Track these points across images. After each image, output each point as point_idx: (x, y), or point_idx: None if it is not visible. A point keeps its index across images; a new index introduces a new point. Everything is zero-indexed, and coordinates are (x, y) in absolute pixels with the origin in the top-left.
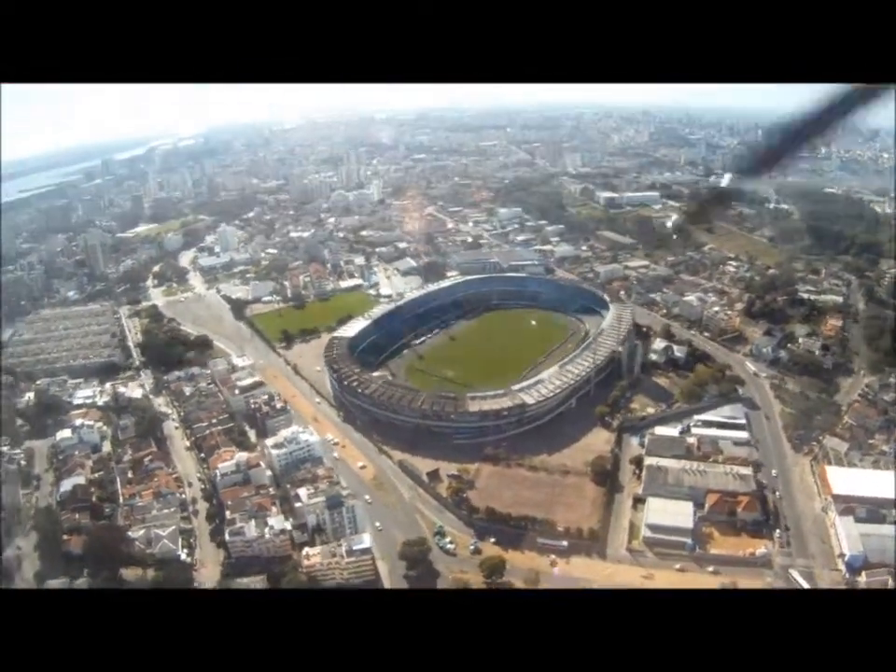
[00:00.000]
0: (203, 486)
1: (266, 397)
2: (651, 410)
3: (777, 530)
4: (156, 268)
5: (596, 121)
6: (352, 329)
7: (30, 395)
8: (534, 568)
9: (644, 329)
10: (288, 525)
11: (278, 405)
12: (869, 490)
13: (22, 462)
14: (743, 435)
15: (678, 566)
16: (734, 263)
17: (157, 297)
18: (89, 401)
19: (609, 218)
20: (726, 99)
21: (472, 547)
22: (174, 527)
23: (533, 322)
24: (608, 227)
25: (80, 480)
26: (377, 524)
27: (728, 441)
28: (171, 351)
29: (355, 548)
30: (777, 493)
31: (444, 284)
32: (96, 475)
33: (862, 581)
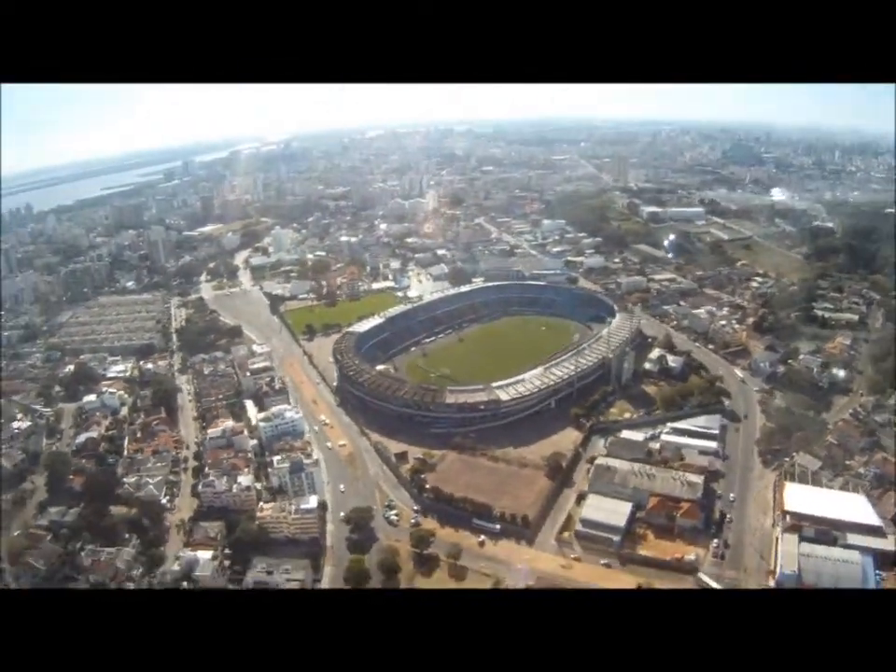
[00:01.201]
0: (197, 449)
1: (268, 379)
2: (629, 415)
3: (716, 540)
4: (211, 265)
5: (673, 137)
6: (365, 325)
7: (71, 367)
8: (457, 544)
9: (649, 339)
10: (255, 484)
11: (278, 387)
12: (826, 511)
13: (51, 419)
14: (711, 445)
15: (603, 561)
16: (759, 279)
17: (206, 291)
18: (120, 375)
19: (649, 232)
20: (812, 117)
21: (413, 521)
22: (161, 478)
23: (543, 328)
24: (645, 240)
25: (94, 434)
26: (341, 487)
27: (694, 450)
28: (204, 337)
29: (302, 507)
30: (730, 504)
31: (464, 289)
32: (109, 432)
33: None
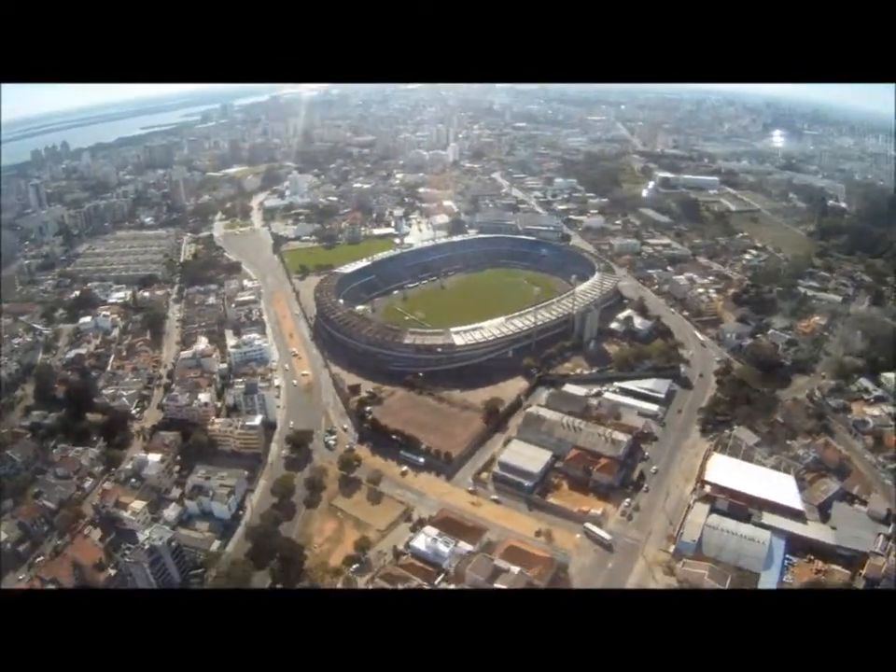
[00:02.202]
0: (172, 368)
1: (250, 312)
2: (582, 371)
3: (628, 499)
4: (228, 205)
5: (717, 107)
6: (351, 267)
7: (76, 293)
8: (381, 472)
9: (625, 301)
10: (216, 402)
11: (256, 318)
12: (747, 487)
13: (50, 337)
14: (652, 408)
15: (515, 503)
16: (754, 252)
17: (218, 229)
18: (118, 301)
19: (658, 197)
20: (865, 100)
21: (348, 447)
22: (135, 391)
23: (524, 281)
24: (651, 205)
25: (83, 351)
26: (291, 420)
27: (633, 411)
28: (204, 272)
29: (247, 423)
30: (654, 467)
31: (456, 238)
32: (97, 350)
33: (678, 566)
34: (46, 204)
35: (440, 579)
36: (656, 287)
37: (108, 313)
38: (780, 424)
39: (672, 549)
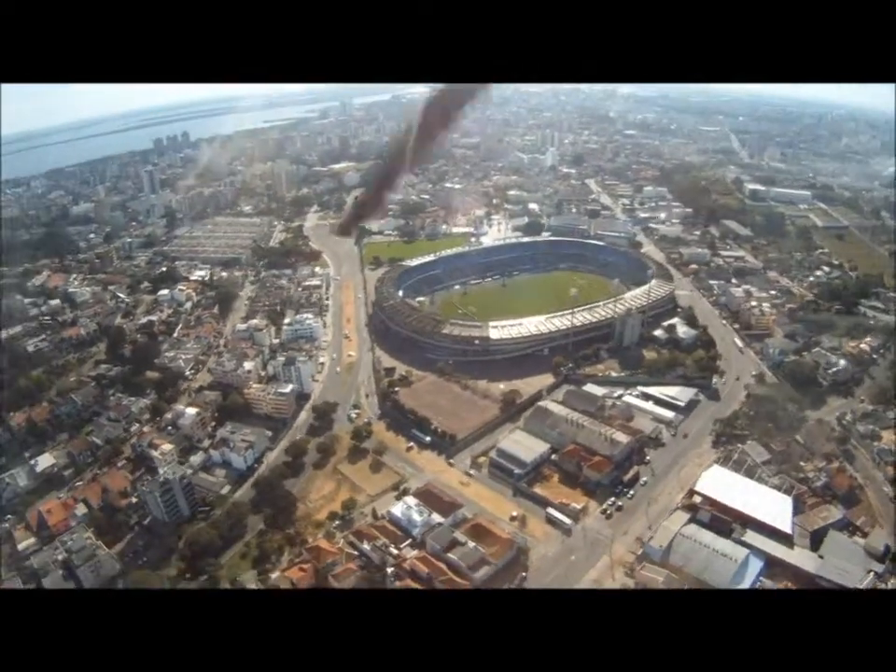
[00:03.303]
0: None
1: (314, 295)
2: (612, 373)
3: (613, 499)
4: (326, 198)
5: (838, 122)
6: (417, 261)
7: (163, 269)
8: (387, 445)
9: (679, 309)
10: (260, 371)
11: (314, 300)
12: (737, 502)
13: (130, 305)
14: (668, 415)
15: (503, 488)
16: (827, 269)
17: (310, 220)
18: (198, 279)
19: (744, 210)
20: None
21: (366, 421)
22: (192, 356)
23: (584, 283)
24: (737, 217)
25: (154, 318)
26: (325, 393)
27: (648, 416)
28: (285, 258)
29: (278, 390)
30: (652, 472)
31: (526, 240)
32: (168, 319)
33: (638, 570)
34: (157, 189)
35: (405, 543)
36: (713, 298)
37: (185, 287)
38: (798, 444)
39: (638, 549)
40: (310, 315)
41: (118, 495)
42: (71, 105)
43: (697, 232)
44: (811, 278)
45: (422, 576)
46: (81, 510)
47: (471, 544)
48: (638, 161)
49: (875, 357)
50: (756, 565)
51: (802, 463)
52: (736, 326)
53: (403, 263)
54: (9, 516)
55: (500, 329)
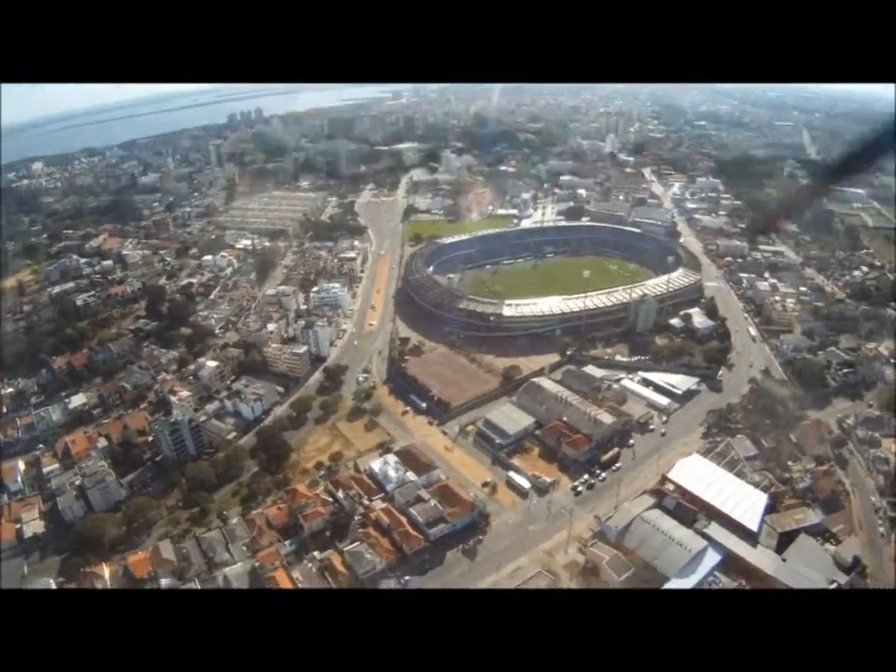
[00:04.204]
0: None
1: (344, 265)
2: (620, 357)
3: (587, 476)
4: (383, 176)
5: None
6: (451, 239)
7: (211, 237)
8: (384, 407)
9: (703, 300)
10: (283, 333)
11: (345, 271)
12: (708, 494)
13: (175, 268)
14: (663, 401)
15: (483, 456)
16: (866, 269)
17: (364, 197)
18: (242, 247)
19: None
20: None
21: (372, 385)
22: (223, 316)
23: (613, 268)
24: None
25: (194, 280)
26: (341, 357)
27: (642, 402)
28: (331, 231)
29: (293, 351)
30: (632, 456)
31: (563, 223)
32: (208, 282)
33: (588, 546)
34: (223, 163)
35: (378, 496)
36: (741, 291)
37: (226, 254)
38: (790, 442)
39: (595, 527)
40: (337, 285)
41: (136, 433)
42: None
43: (742, 225)
44: (847, 277)
45: (384, 526)
46: (103, 443)
47: (433, 502)
48: (699, 153)
49: (893, 360)
50: (714, 558)
51: (790, 462)
52: (757, 320)
53: (438, 241)
54: (41, 445)
55: (514, 308)
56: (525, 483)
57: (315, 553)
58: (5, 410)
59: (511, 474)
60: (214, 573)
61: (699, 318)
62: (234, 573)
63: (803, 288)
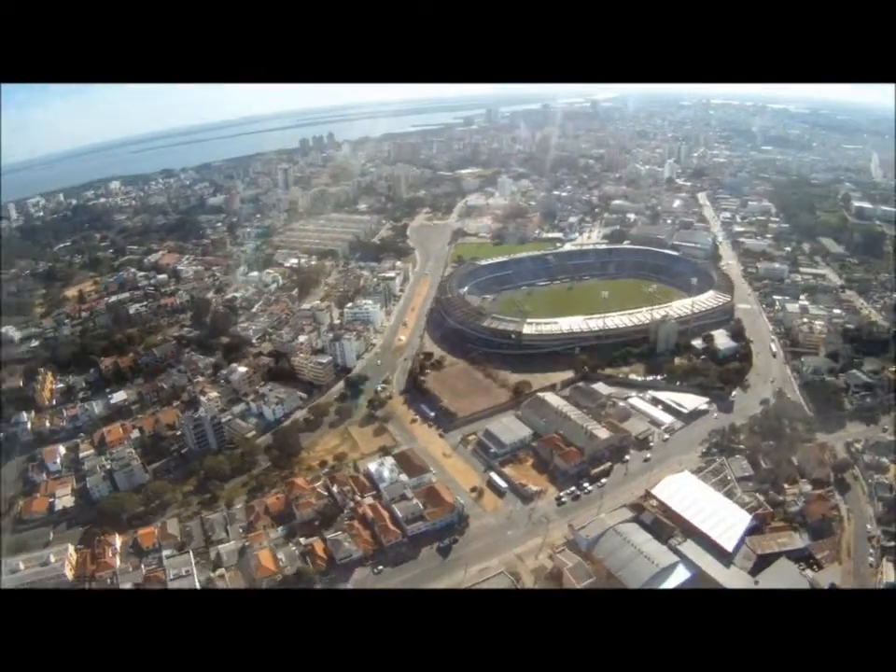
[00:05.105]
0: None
1: (381, 283)
2: (635, 376)
3: (573, 488)
4: (439, 201)
5: None
6: (489, 260)
7: (263, 255)
8: (395, 415)
9: (731, 321)
10: (309, 343)
11: (380, 289)
12: (690, 512)
13: (223, 283)
14: (667, 420)
15: (478, 463)
16: None
17: (417, 220)
18: (292, 265)
19: (845, 227)
20: None
21: (389, 394)
22: (261, 327)
23: (649, 290)
24: (835, 234)
25: (238, 294)
26: (366, 368)
27: (646, 419)
28: (378, 252)
29: (317, 360)
30: (624, 471)
31: (601, 246)
32: (251, 296)
33: (558, 553)
34: (290, 186)
35: (370, 493)
36: (772, 313)
37: (272, 271)
38: (790, 465)
39: (570, 535)
40: (370, 302)
41: (166, 427)
42: (236, 102)
43: (788, 248)
44: (885, 301)
45: (368, 520)
46: (136, 435)
47: (415, 501)
48: (759, 177)
49: None
50: (683, 575)
51: (786, 485)
52: (784, 341)
53: (476, 262)
54: (81, 434)
55: (534, 326)
56: (503, 484)
57: (301, 539)
58: (55, 402)
59: (493, 475)
60: (209, 549)
61: (722, 340)
62: (226, 550)
63: (837, 311)
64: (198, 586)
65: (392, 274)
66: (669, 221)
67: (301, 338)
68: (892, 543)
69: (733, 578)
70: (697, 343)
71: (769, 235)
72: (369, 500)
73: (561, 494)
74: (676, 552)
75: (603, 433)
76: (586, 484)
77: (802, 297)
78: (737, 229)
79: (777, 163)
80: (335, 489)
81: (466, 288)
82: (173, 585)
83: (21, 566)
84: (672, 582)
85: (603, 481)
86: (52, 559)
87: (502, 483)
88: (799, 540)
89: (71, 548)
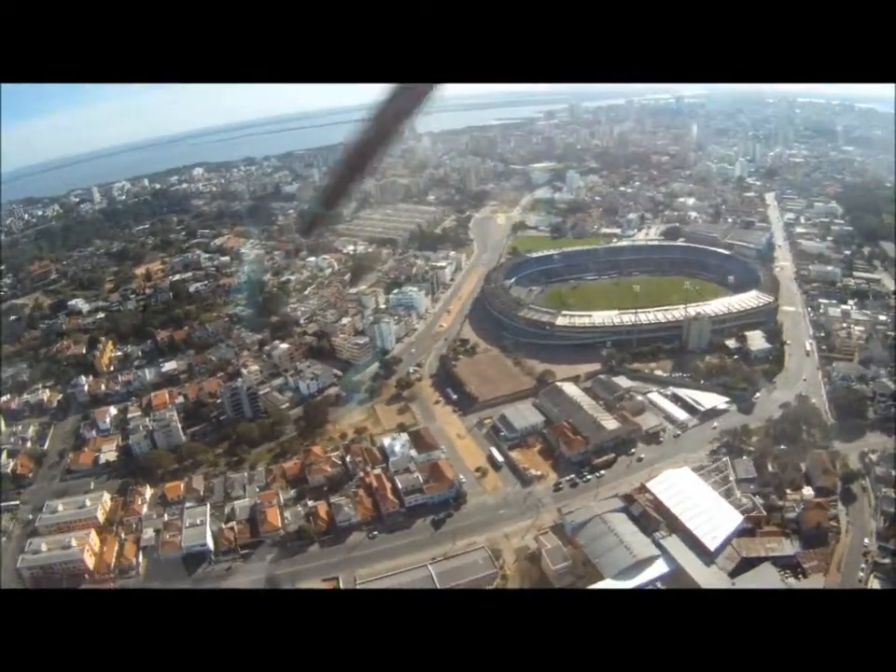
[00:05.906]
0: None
1: (431, 272)
2: (661, 372)
3: (574, 476)
4: (507, 194)
5: None
6: (538, 253)
7: (324, 242)
8: (419, 394)
9: (772, 323)
10: (352, 325)
11: (427, 277)
12: (680, 508)
13: (281, 266)
14: (682, 416)
15: (487, 446)
16: None
17: (482, 212)
18: (346, 251)
19: None
20: None
21: (419, 377)
22: (309, 309)
23: (696, 288)
24: None
25: (292, 277)
26: (404, 351)
27: (661, 414)
28: (436, 242)
29: (355, 341)
30: (629, 463)
31: (653, 242)
32: (306, 279)
33: (541, 535)
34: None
35: (380, 465)
36: (814, 317)
37: (328, 257)
38: (797, 470)
39: (558, 520)
40: (414, 289)
41: (208, 395)
42: (320, 93)
43: (847, 251)
44: None
45: (372, 488)
46: (180, 400)
47: (417, 475)
48: (832, 177)
49: None
50: (661, 569)
51: (788, 490)
52: (823, 346)
53: (527, 255)
54: (133, 398)
55: (568, 318)
56: (500, 458)
57: (309, 501)
58: (112, 368)
59: (493, 450)
60: (226, 504)
61: (757, 340)
62: (240, 505)
63: (882, 317)
64: (209, 535)
65: (443, 264)
66: (730, 220)
67: (345, 320)
68: (886, 560)
69: (709, 577)
70: (731, 342)
71: (830, 238)
72: (377, 471)
73: (560, 480)
74: (658, 545)
75: (611, 424)
76: (586, 473)
77: (849, 301)
78: (799, 230)
79: (854, 164)
80: (349, 459)
81: (513, 280)
82: (188, 532)
83: (61, 507)
84: (647, 575)
85: (603, 472)
86: (88, 503)
87: (499, 457)
88: (789, 547)
89: (107, 495)
